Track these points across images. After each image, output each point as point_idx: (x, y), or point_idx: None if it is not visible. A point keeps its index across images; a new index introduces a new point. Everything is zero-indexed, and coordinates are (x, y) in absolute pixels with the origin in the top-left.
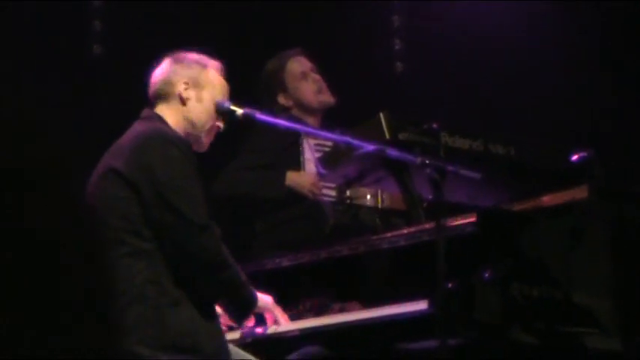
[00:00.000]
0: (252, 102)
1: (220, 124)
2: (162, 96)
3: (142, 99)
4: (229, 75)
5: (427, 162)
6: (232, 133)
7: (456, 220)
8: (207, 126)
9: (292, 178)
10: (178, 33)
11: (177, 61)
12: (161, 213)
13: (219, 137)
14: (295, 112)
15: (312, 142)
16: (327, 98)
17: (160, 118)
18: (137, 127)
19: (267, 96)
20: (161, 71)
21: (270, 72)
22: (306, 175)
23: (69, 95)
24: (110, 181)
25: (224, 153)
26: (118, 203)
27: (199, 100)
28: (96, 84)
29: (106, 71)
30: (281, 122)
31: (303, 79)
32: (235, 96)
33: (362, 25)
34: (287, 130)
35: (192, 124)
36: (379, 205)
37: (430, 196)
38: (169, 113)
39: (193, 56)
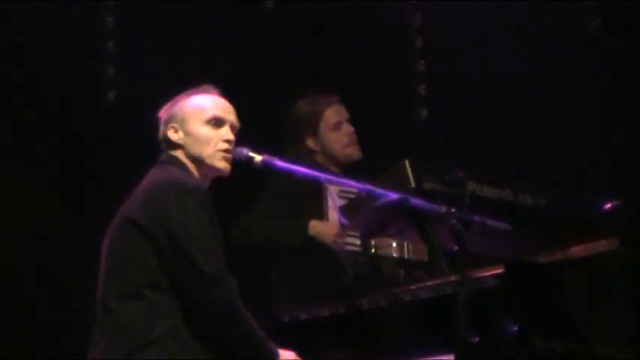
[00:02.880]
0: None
1: (225, 135)
2: (167, 143)
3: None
4: (244, 111)
5: (451, 212)
6: (250, 178)
7: (481, 272)
8: (211, 149)
9: (316, 227)
10: (194, 73)
11: (170, 106)
12: (176, 264)
13: (236, 183)
14: (320, 157)
15: (335, 189)
16: (354, 152)
17: (177, 161)
18: (153, 175)
19: (294, 135)
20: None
21: (304, 113)
22: (331, 224)
23: (86, 143)
24: (127, 233)
25: (242, 199)
26: (137, 256)
27: (188, 133)
28: (111, 130)
29: (120, 117)
30: (302, 170)
31: (337, 128)
32: (251, 132)
33: (386, 69)
34: (308, 177)
35: (198, 158)
36: (405, 256)
37: (454, 248)
38: (181, 157)
39: (183, 93)
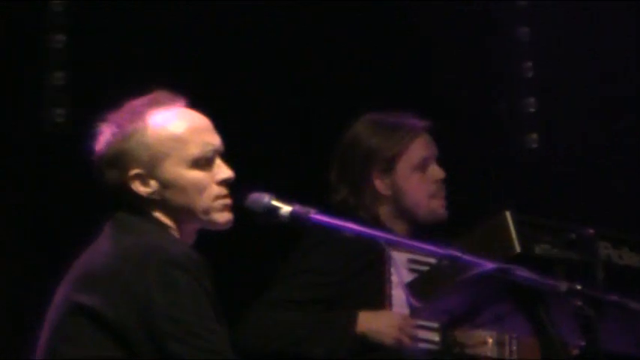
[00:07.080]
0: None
1: (222, 174)
2: (129, 197)
3: None
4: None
5: (576, 290)
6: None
7: None
8: (207, 199)
9: (368, 322)
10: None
11: (116, 138)
12: None
13: (252, 245)
14: (385, 208)
15: (403, 257)
16: (440, 209)
17: (153, 220)
18: (113, 238)
19: (355, 171)
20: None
21: (378, 142)
22: (390, 314)
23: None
24: (80, 328)
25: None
26: None
27: (166, 184)
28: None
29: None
30: (352, 227)
31: (421, 169)
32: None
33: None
34: (362, 237)
35: (188, 213)
36: (506, 357)
37: (581, 343)
38: (158, 216)
39: (129, 110)
